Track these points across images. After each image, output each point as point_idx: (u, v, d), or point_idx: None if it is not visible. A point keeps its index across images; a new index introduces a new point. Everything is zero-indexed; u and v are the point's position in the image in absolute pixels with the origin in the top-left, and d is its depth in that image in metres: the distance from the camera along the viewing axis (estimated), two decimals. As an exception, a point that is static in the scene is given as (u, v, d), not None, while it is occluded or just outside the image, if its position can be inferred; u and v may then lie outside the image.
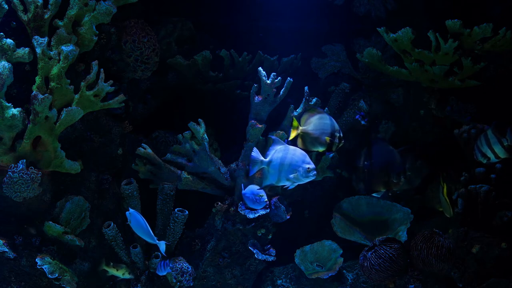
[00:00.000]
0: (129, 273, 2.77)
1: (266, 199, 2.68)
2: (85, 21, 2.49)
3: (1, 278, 2.50)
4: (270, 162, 2.40)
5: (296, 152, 2.37)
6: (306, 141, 2.65)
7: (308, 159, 2.35)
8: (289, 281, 3.13)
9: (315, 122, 2.64)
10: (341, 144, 2.65)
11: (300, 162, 2.34)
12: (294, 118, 2.67)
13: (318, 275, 3.01)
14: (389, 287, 2.74)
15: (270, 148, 2.46)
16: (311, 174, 2.34)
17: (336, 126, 2.63)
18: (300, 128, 2.63)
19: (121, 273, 2.76)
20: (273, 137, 2.51)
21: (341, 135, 2.62)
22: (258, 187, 2.70)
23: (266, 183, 2.49)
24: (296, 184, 2.41)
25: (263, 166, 2.43)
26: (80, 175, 2.66)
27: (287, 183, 2.42)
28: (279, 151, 2.41)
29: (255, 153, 2.46)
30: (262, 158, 2.42)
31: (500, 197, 2.72)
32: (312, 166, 2.34)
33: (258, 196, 2.66)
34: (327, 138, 2.59)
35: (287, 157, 2.37)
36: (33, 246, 2.54)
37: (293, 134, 2.65)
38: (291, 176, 2.36)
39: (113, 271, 2.75)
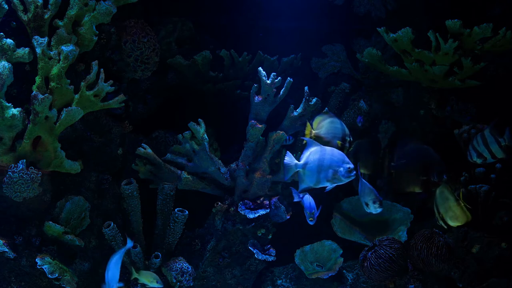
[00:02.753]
0: (157, 282, 2.68)
1: (314, 220, 2.69)
2: (85, 21, 2.49)
3: (1, 278, 2.50)
4: (306, 164, 2.37)
5: (334, 153, 2.35)
6: None
7: (347, 159, 2.34)
8: (289, 281, 3.13)
9: (327, 126, 2.67)
10: (351, 149, 2.67)
11: (340, 162, 2.32)
12: (308, 122, 2.71)
13: (318, 275, 3.01)
14: (389, 287, 2.74)
15: (304, 150, 2.42)
16: (352, 174, 2.32)
17: (346, 130, 2.66)
18: (313, 131, 2.66)
19: (148, 281, 2.68)
20: (306, 138, 2.49)
21: (351, 139, 2.65)
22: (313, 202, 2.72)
23: (303, 187, 2.42)
24: (335, 185, 2.40)
25: (298, 170, 2.41)
26: (80, 175, 2.66)
27: (327, 184, 2.40)
28: (314, 153, 2.37)
29: (288, 157, 2.43)
30: (295, 161, 2.40)
31: (500, 197, 2.72)
32: (352, 165, 2.32)
33: (310, 213, 2.66)
34: (339, 142, 2.61)
35: (326, 158, 2.34)
36: (33, 246, 2.54)
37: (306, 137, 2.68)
38: (332, 177, 2.34)
39: (143, 280, 2.70)
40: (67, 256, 2.63)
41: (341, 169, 2.30)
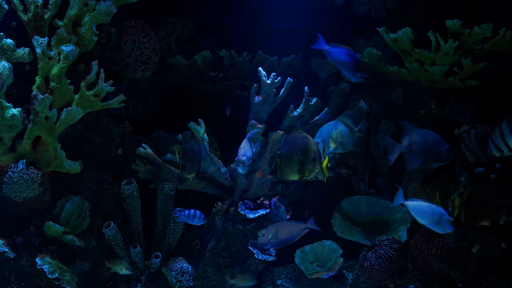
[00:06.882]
0: (127, 268, 2.78)
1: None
2: (85, 21, 2.49)
3: (1, 278, 2.50)
4: (410, 145, 2.47)
5: (433, 134, 2.47)
6: None
7: (443, 139, 2.46)
8: (289, 281, 3.13)
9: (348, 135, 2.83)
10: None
11: (440, 142, 2.45)
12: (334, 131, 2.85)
13: (318, 275, 3.01)
14: (389, 287, 2.74)
15: (404, 134, 2.56)
16: (451, 154, 2.44)
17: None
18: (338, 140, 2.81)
19: (119, 268, 2.76)
20: (405, 122, 2.62)
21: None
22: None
23: (409, 169, 2.59)
24: (438, 165, 2.50)
25: (401, 151, 2.53)
26: (80, 175, 2.66)
27: (432, 166, 2.50)
28: (415, 134, 2.49)
29: (389, 139, 2.56)
30: (398, 144, 2.52)
31: (500, 197, 2.72)
32: (449, 146, 2.45)
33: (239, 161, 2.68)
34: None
35: (428, 138, 2.46)
36: (33, 246, 2.54)
37: (332, 145, 2.80)
38: (436, 157, 2.45)
39: (116, 268, 2.75)
40: (67, 256, 2.63)
41: (443, 148, 2.40)
